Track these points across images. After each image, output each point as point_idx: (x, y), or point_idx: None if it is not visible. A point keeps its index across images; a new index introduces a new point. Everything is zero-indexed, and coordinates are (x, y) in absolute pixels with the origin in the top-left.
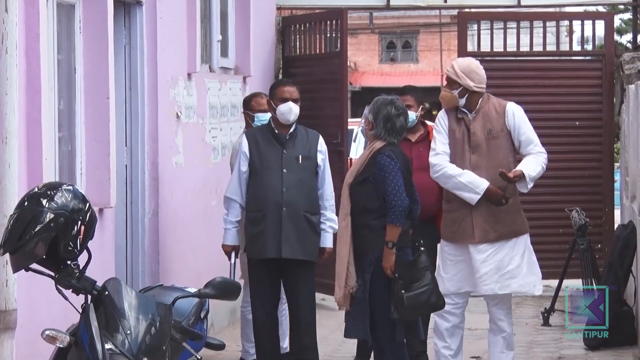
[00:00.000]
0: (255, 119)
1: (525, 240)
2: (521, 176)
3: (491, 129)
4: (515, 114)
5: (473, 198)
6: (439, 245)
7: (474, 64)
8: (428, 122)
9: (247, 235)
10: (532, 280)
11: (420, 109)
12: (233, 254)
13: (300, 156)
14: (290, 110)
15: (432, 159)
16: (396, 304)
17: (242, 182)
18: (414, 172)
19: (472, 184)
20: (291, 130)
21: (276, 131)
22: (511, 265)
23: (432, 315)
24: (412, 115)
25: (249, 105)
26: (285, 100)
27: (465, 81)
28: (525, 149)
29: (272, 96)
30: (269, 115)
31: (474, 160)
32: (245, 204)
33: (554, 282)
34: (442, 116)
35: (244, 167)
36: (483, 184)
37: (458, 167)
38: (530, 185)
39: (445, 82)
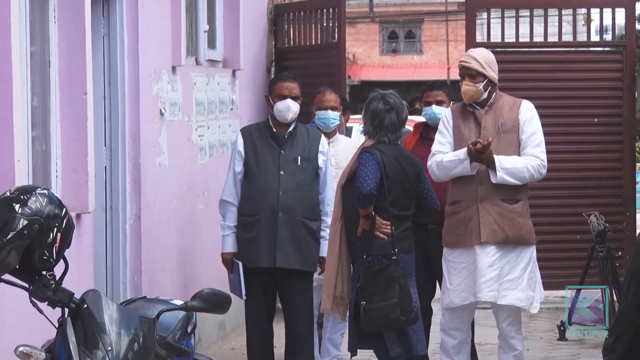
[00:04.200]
0: (316, 117)
1: (531, 252)
2: (489, 151)
3: (503, 123)
4: (529, 111)
5: (466, 166)
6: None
7: (491, 54)
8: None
9: (240, 241)
10: (531, 296)
11: (451, 104)
12: (240, 265)
13: (299, 157)
14: (288, 109)
15: (428, 162)
16: (357, 314)
17: (237, 183)
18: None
19: (456, 156)
20: (290, 129)
21: (274, 130)
22: (511, 275)
23: (438, 331)
24: (444, 111)
25: (313, 100)
26: (283, 97)
27: (490, 73)
28: (522, 150)
29: (270, 92)
30: (329, 113)
31: None
32: (239, 206)
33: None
34: (446, 114)
35: (239, 167)
36: (462, 151)
37: None
38: (502, 175)
39: (465, 77)
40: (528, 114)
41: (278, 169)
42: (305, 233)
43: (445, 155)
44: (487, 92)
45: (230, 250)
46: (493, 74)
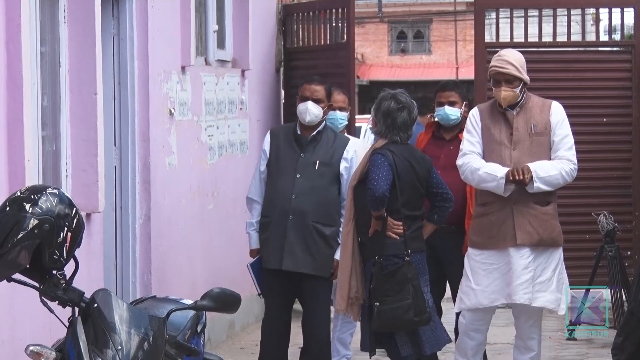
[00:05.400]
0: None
1: (559, 254)
2: (528, 172)
3: (535, 125)
4: (560, 113)
5: (500, 185)
6: (465, 254)
7: (521, 55)
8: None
9: (259, 240)
10: (559, 297)
11: (464, 105)
12: (250, 264)
13: (318, 161)
14: (306, 111)
15: (458, 161)
16: (370, 315)
17: (262, 181)
18: (442, 171)
19: (493, 172)
20: (315, 132)
21: (298, 132)
22: (542, 277)
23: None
24: (457, 112)
25: None
26: (305, 99)
27: (524, 75)
28: (554, 152)
29: (298, 94)
30: (337, 114)
31: (515, 156)
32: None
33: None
34: (474, 114)
35: (263, 167)
36: (501, 170)
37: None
38: (538, 185)
39: (501, 82)
40: (559, 116)
41: (295, 171)
42: (316, 237)
43: (484, 165)
44: (521, 94)
45: (256, 246)
46: (526, 75)
